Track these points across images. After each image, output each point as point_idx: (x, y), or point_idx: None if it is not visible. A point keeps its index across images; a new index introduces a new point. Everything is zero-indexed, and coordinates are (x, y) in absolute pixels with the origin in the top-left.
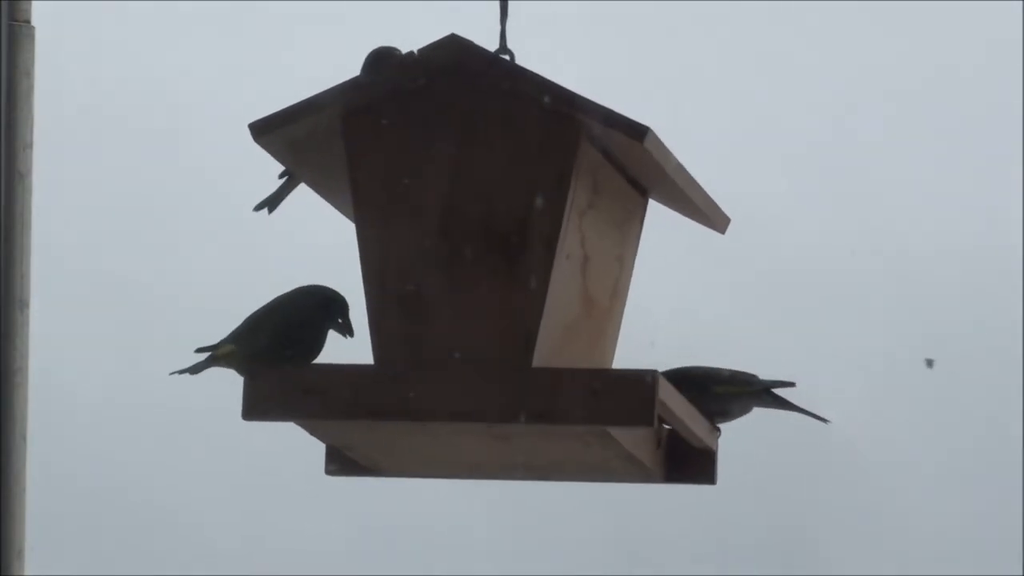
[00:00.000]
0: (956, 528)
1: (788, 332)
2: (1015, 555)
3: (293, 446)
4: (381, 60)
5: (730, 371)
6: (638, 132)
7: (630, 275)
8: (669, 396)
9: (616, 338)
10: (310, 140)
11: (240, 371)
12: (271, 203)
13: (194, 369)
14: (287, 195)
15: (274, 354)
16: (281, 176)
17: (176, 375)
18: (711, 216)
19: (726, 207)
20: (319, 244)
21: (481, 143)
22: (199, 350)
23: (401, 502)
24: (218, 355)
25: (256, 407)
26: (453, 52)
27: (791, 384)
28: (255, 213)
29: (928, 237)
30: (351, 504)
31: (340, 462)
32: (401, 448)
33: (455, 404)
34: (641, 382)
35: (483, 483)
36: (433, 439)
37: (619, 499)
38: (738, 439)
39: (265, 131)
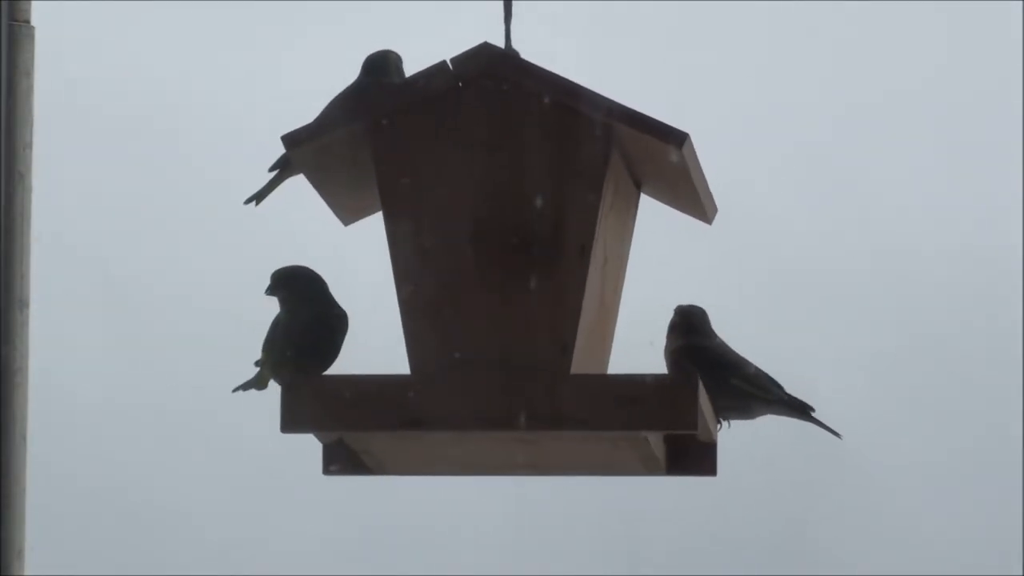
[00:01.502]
0: (956, 528)
1: (787, 331)
2: (1015, 555)
3: (294, 447)
4: (377, 65)
5: (756, 369)
6: (678, 139)
7: (626, 270)
8: (702, 398)
9: (613, 336)
10: (337, 148)
11: (276, 380)
12: (259, 196)
13: (256, 384)
14: (275, 189)
15: (298, 361)
16: (271, 170)
17: (240, 391)
18: (706, 208)
19: (724, 204)
20: (320, 245)
21: (513, 149)
22: (257, 363)
23: (401, 503)
24: (260, 363)
25: (295, 420)
26: (485, 60)
27: (811, 408)
28: (253, 208)
29: (929, 236)
30: (352, 504)
31: (339, 462)
32: (419, 450)
33: (494, 413)
34: (683, 389)
35: (482, 483)
36: (459, 443)
37: (617, 499)
38: (737, 438)
39: (297, 143)
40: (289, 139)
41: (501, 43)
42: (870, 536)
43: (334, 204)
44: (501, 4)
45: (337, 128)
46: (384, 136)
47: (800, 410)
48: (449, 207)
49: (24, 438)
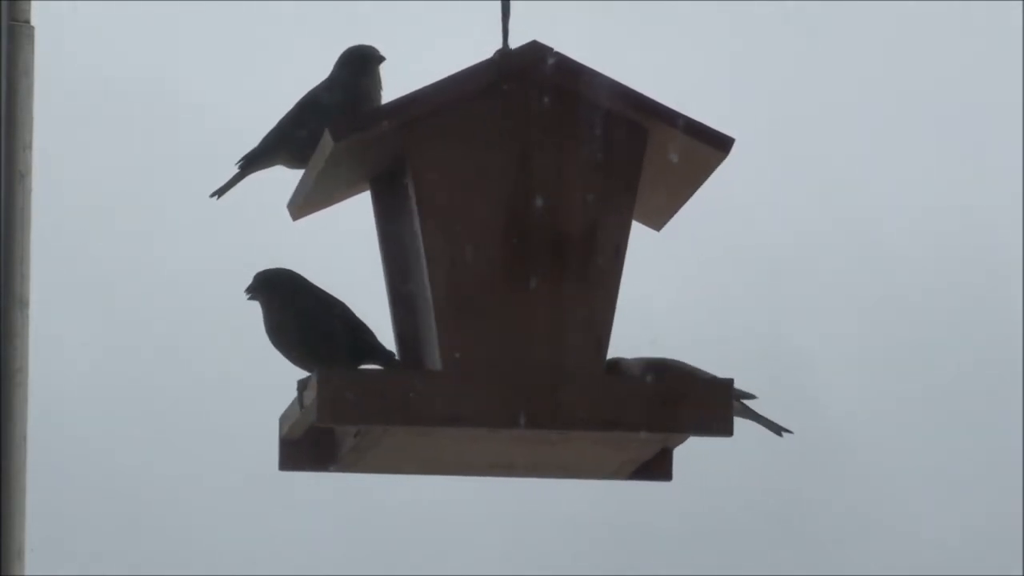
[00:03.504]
0: (956, 528)
1: (786, 331)
2: (1015, 555)
3: None
4: (354, 59)
5: (710, 375)
6: (725, 143)
7: None
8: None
9: None
10: (368, 146)
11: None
12: (221, 191)
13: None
14: (237, 184)
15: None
16: (237, 163)
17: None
18: (671, 216)
19: (718, 201)
20: (321, 245)
21: (549, 149)
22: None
23: (399, 502)
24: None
25: (331, 412)
26: (529, 57)
27: (751, 396)
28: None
29: (929, 235)
30: (351, 504)
31: (296, 459)
32: (430, 449)
33: (534, 413)
34: (719, 391)
35: (479, 483)
36: (479, 442)
37: (614, 498)
38: (737, 439)
39: (343, 135)
40: (335, 131)
41: (499, 42)
42: (870, 536)
43: (311, 200)
44: (499, 3)
45: (382, 122)
46: (415, 136)
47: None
48: (485, 206)
49: (24, 438)
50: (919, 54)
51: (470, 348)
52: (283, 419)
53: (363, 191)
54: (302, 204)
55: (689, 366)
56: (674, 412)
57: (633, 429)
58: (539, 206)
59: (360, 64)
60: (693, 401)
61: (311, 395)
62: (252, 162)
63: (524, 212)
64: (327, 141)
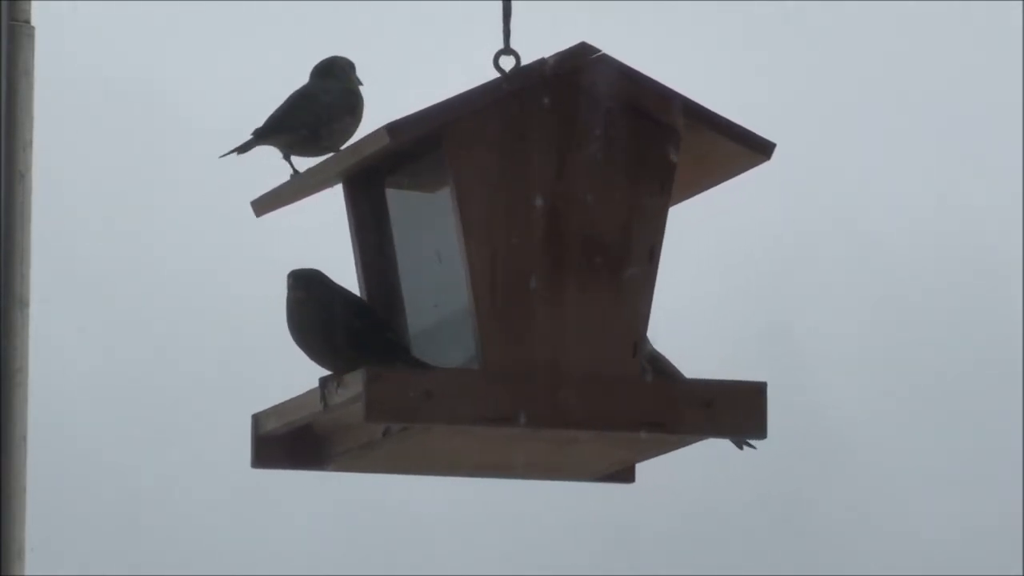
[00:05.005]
0: (956, 528)
1: (786, 331)
2: (1015, 555)
3: None
4: (324, 70)
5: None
6: (767, 148)
7: None
8: None
9: None
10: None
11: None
12: (241, 149)
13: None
14: (248, 150)
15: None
16: (252, 134)
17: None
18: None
19: (719, 201)
20: (323, 244)
21: (586, 151)
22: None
23: (399, 502)
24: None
25: (378, 410)
26: (580, 60)
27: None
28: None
29: (928, 234)
30: (350, 504)
31: (270, 457)
32: (447, 448)
33: (571, 414)
34: (755, 394)
35: (479, 483)
36: (497, 442)
37: (614, 499)
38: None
39: (400, 133)
40: (395, 130)
41: (499, 43)
42: (870, 536)
43: (295, 195)
44: (499, 3)
45: (437, 123)
46: (456, 139)
47: None
48: (524, 209)
49: (24, 438)
50: (920, 55)
51: (510, 350)
52: (260, 417)
53: (330, 188)
54: (280, 199)
55: (671, 364)
56: (713, 414)
57: (674, 431)
58: (576, 209)
59: (325, 73)
60: (732, 403)
61: (347, 392)
62: (271, 131)
63: (562, 215)
64: (379, 137)
